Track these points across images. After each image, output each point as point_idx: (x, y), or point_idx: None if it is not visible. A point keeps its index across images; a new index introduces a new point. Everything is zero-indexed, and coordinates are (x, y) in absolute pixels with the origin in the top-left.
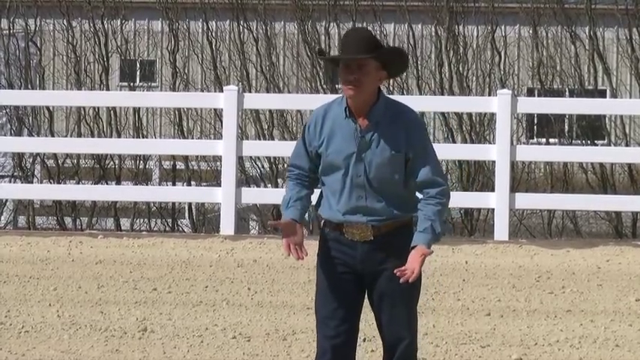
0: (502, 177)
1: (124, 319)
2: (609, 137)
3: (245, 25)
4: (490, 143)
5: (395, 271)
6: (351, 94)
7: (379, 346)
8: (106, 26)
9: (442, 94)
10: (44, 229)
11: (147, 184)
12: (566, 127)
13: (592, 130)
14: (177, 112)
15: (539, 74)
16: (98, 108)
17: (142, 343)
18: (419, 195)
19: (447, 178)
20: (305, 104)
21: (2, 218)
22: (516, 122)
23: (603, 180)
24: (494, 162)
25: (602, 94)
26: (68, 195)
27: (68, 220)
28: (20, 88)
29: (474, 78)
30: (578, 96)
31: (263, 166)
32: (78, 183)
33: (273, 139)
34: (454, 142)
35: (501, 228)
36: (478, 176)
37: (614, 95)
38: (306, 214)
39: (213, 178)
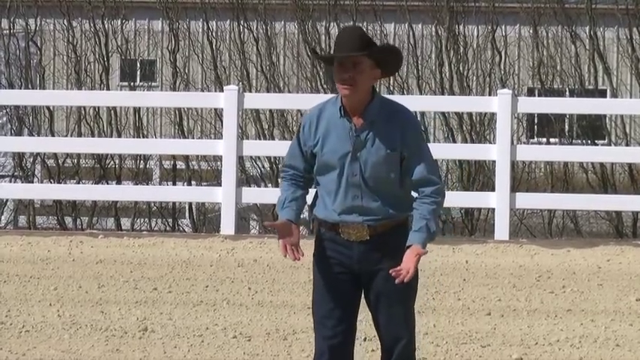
0: (502, 177)
1: (124, 318)
2: (609, 137)
3: (245, 24)
4: (490, 143)
5: (390, 272)
6: (346, 94)
7: (379, 346)
8: (106, 26)
9: (442, 93)
10: (45, 228)
11: (147, 184)
12: (567, 126)
13: (592, 129)
14: (177, 112)
15: (539, 74)
16: (98, 108)
17: (143, 342)
18: (414, 194)
19: (441, 177)
20: (305, 104)
21: (3, 218)
22: (517, 122)
23: (604, 180)
24: (494, 162)
25: (602, 93)
26: (69, 195)
27: (69, 220)
28: (20, 88)
29: (475, 78)
30: (579, 96)
31: (263, 166)
32: (78, 183)
33: (273, 138)
34: (454, 141)
35: (502, 228)
36: (478, 176)
37: (614, 95)
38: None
39: (213, 177)
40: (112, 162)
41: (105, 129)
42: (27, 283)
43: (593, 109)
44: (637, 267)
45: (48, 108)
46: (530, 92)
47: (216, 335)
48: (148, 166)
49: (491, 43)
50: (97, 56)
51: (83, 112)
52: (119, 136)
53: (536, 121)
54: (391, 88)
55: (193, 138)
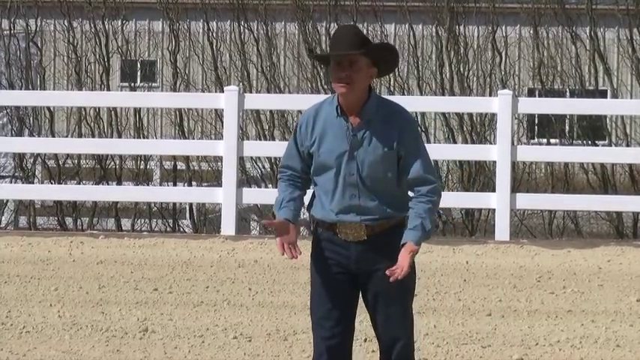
0: (503, 177)
1: (125, 319)
2: (610, 137)
3: (246, 25)
4: (491, 143)
5: (386, 272)
6: (343, 92)
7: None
8: (106, 27)
9: (443, 94)
10: (45, 229)
11: (148, 185)
12: (567, 127)
13: (593, 130)
14: (178, 113)
15: (539, 74)
16: (99, 108)
17: (143, 343)
18: (411, 193)
19: (438, 176)
20: (306, 105)
21: (3, 218)
22: (517, 122)
23: (604, 180)
24: (495, 162)
25: (602, 94)
26: (69, 195)
27: (69, 221)
28: (21, 89)
29: (475, 78)
30: (579, 96)
31: (264, 167)
32: (79, 183)
33: (273, 139)
34: (455, 142)
35: (502, 228)
36: (479, 176)
37: (614, 95)
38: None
39: (214, 178)
40: (112, 162)
41: (105, 129)
42: (27, 284)
43: (593, 110)
44: (637, 267)
45: (48, 108)
46: (531, 93)
47: (216, 336)
48: (148, 166)
49: (491, 44)
50: (98, 57)
51: (84, 112)
52: (120, 136)
53: (536, 121)
54: (392, 89)
55: (194, 139)
